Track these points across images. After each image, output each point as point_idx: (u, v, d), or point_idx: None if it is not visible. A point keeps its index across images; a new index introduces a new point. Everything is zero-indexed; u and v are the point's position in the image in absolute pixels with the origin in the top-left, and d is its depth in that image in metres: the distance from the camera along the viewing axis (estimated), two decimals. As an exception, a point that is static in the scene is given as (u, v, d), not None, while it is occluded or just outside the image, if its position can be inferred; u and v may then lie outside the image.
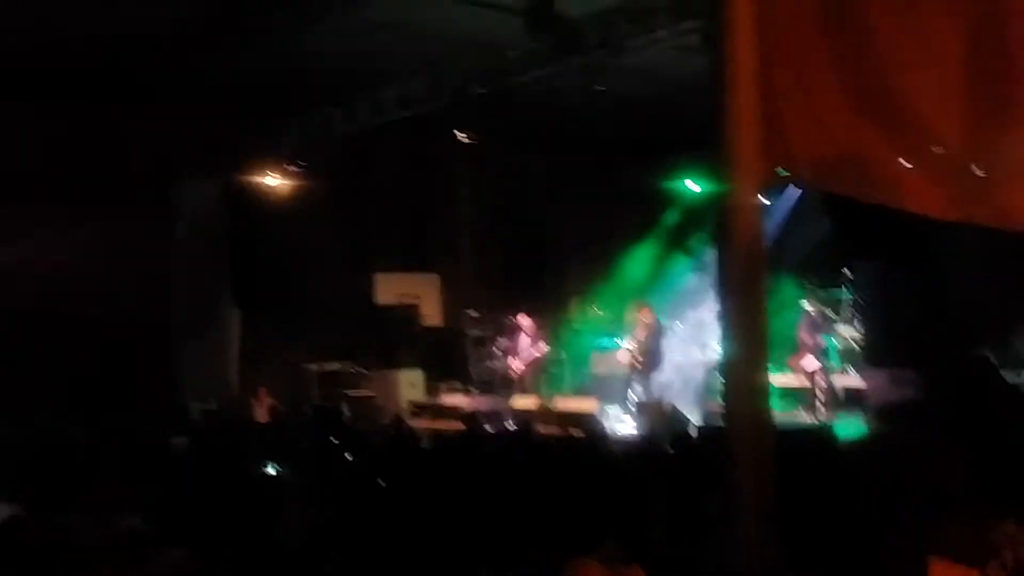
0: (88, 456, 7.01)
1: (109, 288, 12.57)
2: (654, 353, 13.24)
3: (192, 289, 13.36)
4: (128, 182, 12.76)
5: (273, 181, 14.00)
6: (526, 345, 14.00)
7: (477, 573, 3.99)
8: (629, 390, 13.28)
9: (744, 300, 3.89)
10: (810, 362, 12.31)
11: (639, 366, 13.21)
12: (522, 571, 3.23)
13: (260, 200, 13.91)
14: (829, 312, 12.81)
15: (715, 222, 4.03)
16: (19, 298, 11.88)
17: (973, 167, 3.98)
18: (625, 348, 13.61)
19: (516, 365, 14.12)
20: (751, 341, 3.86)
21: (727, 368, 4.03)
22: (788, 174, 4.20)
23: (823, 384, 12.34)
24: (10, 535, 4.01)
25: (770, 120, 3.97)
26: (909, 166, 4.00)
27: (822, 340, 12.41)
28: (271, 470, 6.02)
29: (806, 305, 12.48)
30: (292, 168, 13.83)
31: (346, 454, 7.13)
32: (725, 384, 4.12)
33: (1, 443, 8.67)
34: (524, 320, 14.16)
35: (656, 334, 13.33)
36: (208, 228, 13.49)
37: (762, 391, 3.83)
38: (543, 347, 14.07)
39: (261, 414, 12.37)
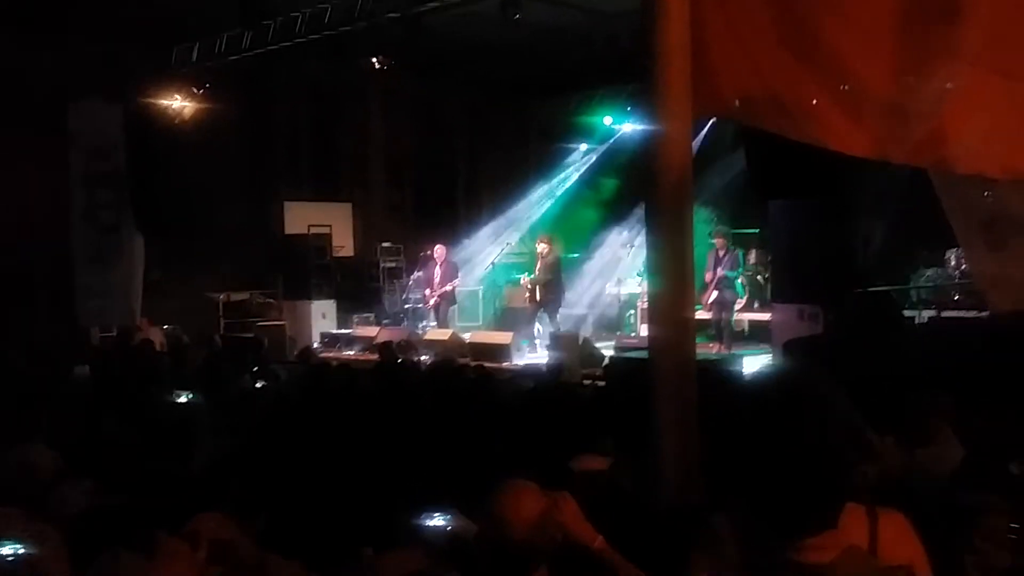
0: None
1: (7, 215, 12.07)
2: (554, 284, 13.19)
3: (92, 216, 12.86)
4: (25, 108, 12.17)
5: (177, 106, 13.48)
6: (440, 276, 13.92)
7: (392, 503, 3.98)
8: (536, 323, 13.31)
9: (670, 234, 3.92)
10: (714, 296, 12.52)
11: (540, 298, 13.19)
12: (443, 500, 3.23)
13: (164, 125, 13.39)
14: (735, 248, 13.01)
15: (642, 156, 4.02)
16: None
17: (895, 107, 4.05)
18: (525, 281, 13.60)
19: (430, 296, 14.05)
20: (676, 274, 3.89)
21: (652, 300, 4.06)
22: (715, 109, 4.22)
23: (725, 318, 12.57)
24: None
25: (699, 54, 3.97)
26: (833, 105, 4.06)
27: (724, 274, 12.55)
28: (178, 398, 5.88)
29: (712, 240, 12.64)
30: (197, 92, 13.33)
31: (256, 383, 7.02)
32: (650, 316, 4.15)
33: None
34: (439, 251, 14.05)
35: (555, 266, 13.27)
36: (109, 154, 12.94)
37: (688, 323, 3.88)
38: (456, 279, 14.02)
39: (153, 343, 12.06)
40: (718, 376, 6.89)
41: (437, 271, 13.93)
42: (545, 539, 2.43)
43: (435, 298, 13.94)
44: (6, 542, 2.70)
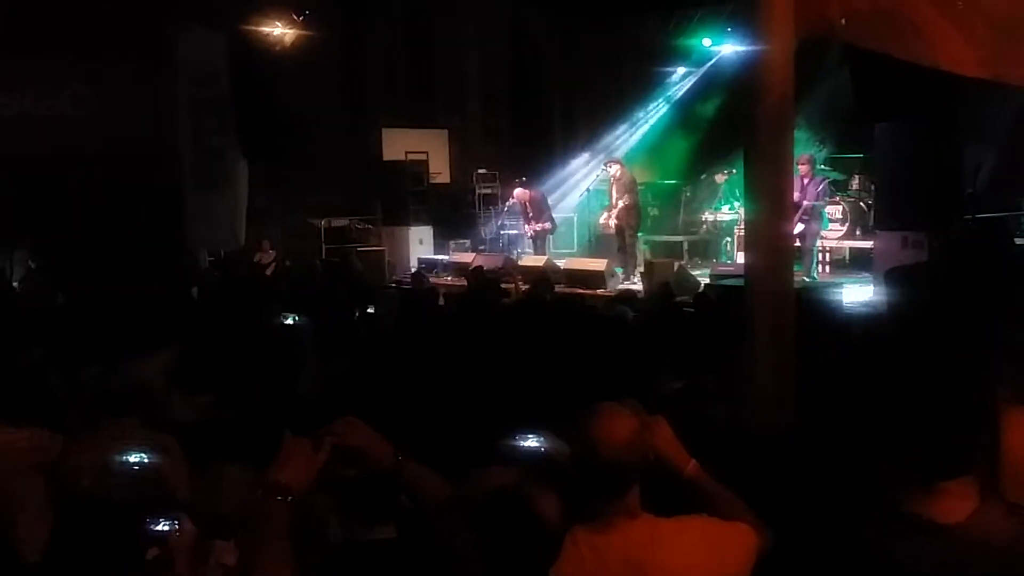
0: (104, 308, 7.11)
1: (115, 141, 12.45)
2: (632, 208, 12.89)
3: (198, 142, 13.22)
4: (130, 36, 12.45)
5: (279, 32, 13.66)
6: (533, 213, 13.75)
7: (489, 425, 4.08)
8: (619, 250, 13.14)
9: (769, 160, 3.85)
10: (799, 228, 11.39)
11: (619, 222, 12.95)
12: (539, 423, 3.29)
13: (266, 52, 13.60)
14: (822, 176, 12.18)
15: (742, 79, 3.94)
16: (27, 149, 11.78)
17: (1011, 26, 3.88)
18: (604, 211, 13.40)
19: (528, 230, 13.99)
20: (775, 200, 3.83)
21: (749, 226, 4.01)
22: (819, 28, 4.09)
23: (807, 247, 11.42)
24: (34, 382, 4.09)
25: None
26: (945, 23, 3.90)
27: (808, 204, 11.26)
28: (288, 320, 6.08)
29: (797, 165, 10.95)
30: (297, 19, 13.47)
31: (364, 308, 7.19)
32: (747, 242, 4.11)
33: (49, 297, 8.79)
34: (520, 194, 13.80)
35: (630, 188, 12.93)
36: (213, 81, 13.24)
37: (786, 249, 3.84)
38: (546, 217, 13.78)
39: (266, 267, 12.45)
40: (816, 306, 6.78)
41: (529, 209, 13.80)
42: (637, 460, 2.47)
43: (531, 232, 13.89)
44: (130, 451, 2.84)
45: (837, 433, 1.93)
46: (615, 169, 13.13)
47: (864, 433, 1.71)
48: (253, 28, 13.62)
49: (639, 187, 13.62)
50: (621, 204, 12.88)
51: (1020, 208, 11.72)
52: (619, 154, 15.34)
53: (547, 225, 13.79)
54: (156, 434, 3.44)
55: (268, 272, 12.01)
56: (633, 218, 13.01)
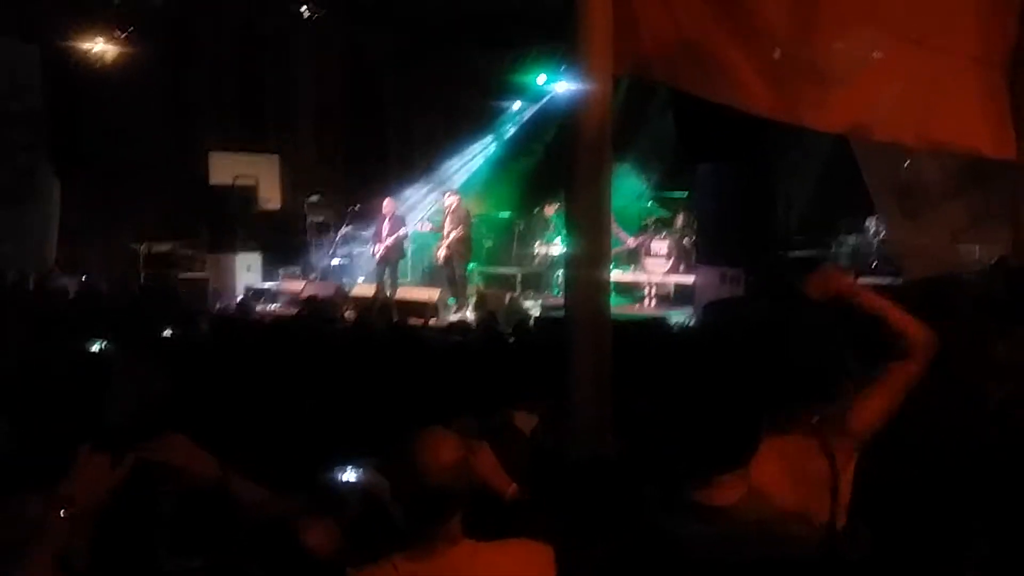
0: None
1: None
2: (464, 239, 12.98)
3: (7, 158, 12.43)
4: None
5: (99, 49, 13.04)
6: (389, 229, 13.26)
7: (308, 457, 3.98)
8: (450, 280, 13.18)
9: (588, 194, 3.93)
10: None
11: (449, 252, 13.01)
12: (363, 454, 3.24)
13: (85, 68, 12.96)
14: (656, 209, 12.88)
15: (565, 115, 4.02)
16: None
17: (812, 71, 4.12)
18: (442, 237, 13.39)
19: (379, 250, 13.41)
20: (593, 232, 3.91)
21: (570, 260, 4.08)
22: (635, 67, 4.23)
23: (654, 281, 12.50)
24: None
25: (620, 9, 3.96)
26: (749, 65, 4.10)
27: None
28: (95, 346, 5.77)
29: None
30: (119, 36, 12.91)
31: (178, 333, 6.91)
32: (567, 275, 4.18)
33: None
34: (388, 205, 13.46)
35: (464, 220, 13.05)
36: (24, 94, 12.50)
37: (602, 280, 3.92)
38: (403, 231, 13.45)
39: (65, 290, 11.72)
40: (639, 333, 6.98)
41: (386, 224, 13.51)
42: (461, 487, 2.47)
43: (382, 250, 13.37)
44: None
45: (647, 445, 2.27)
46: (451, 200, 13.17)
47: (666, 441, 2.16)
48: (72, 43, 12.97)
49: (473, 219, 13.71)
50: (454, 235, 12.92)
51: (829, 247, 12.49)
52: (454, 184, 15.41)
53: (397, 238, 13.30)
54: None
55: (70, 295, 11.32)
56: (464, 249, 13.07)
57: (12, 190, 12.33)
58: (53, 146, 12.42)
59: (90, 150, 12.49)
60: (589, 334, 3.85)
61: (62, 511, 2.12)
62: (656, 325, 7.74)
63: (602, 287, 3.94)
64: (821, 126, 4.41)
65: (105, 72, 13.01)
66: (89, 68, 13.02)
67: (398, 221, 13.46)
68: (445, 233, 13.11)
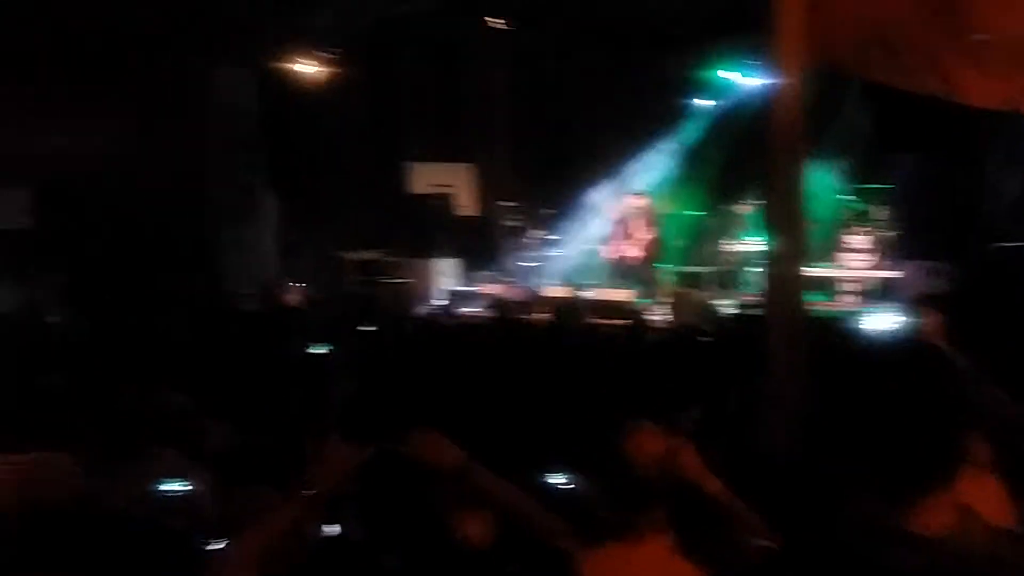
0: (136, 340, 7.27)
1: (145, 179, 12.63)
2: (657, 240, 12.95)
3: (230, 178, 13.47)
4: (160, 71, 12.70)
5: (307, 68, 13.93)
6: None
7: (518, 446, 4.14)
8: (644, 281, 13.15)
9: (783, 189, 3.94)
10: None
11: (646, 254, 13.00)
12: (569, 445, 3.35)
13: (294, 88, 13.87)
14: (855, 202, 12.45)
15: (751, 111, 4.04)
16: (58, 189, 12.02)
17: (1021, 55, 3.94)
18: (624, 243, 13.35)
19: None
20: (789, 229, 3.91)
21: (767, 256, 4.09)
22: (829, 61, 4.17)
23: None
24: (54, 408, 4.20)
25: (815, 4, 3.93)
26: (959, 56, 3.97)
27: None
28: (318, 350, 6.25)
29: None
30: (325, 55, 13.74)
31: (387, 335, 7.33)
32: (765, 272, 4.19)
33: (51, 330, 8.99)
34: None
35: (656, 222, 13.01)
36: (243, 117, 13.51)
37: (798, 277, 3.91)
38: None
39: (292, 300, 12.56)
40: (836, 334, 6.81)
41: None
42: (666, 480, 2.54)
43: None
44: (166, 480, 2.95)
45: (837, 454, 2.07)
46: (640, 201, 13.19)
47: (859, 453, 1.90)
48: (283, 65, 13.90)
49: (662, 218, 13.67)
50: (646, 236, 12.94)
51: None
52: (642, 185, 15.41)
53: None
54: (187, 462, 3.56)
55: (295, 304, 12.15)
56: (656, 249, 13.05)
57: (235, 208, 13.35)
58: (270, 165, 13.33)
59: (302, 166, 13.33)
60: (785, 331, 3.85)
61: (303, 492, 2.33)
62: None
63: (797, 283, 3.93)
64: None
65: (314, 92, 13.87)
66: (299, 89, 13.91)
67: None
68: (633, 234, 13.13)
